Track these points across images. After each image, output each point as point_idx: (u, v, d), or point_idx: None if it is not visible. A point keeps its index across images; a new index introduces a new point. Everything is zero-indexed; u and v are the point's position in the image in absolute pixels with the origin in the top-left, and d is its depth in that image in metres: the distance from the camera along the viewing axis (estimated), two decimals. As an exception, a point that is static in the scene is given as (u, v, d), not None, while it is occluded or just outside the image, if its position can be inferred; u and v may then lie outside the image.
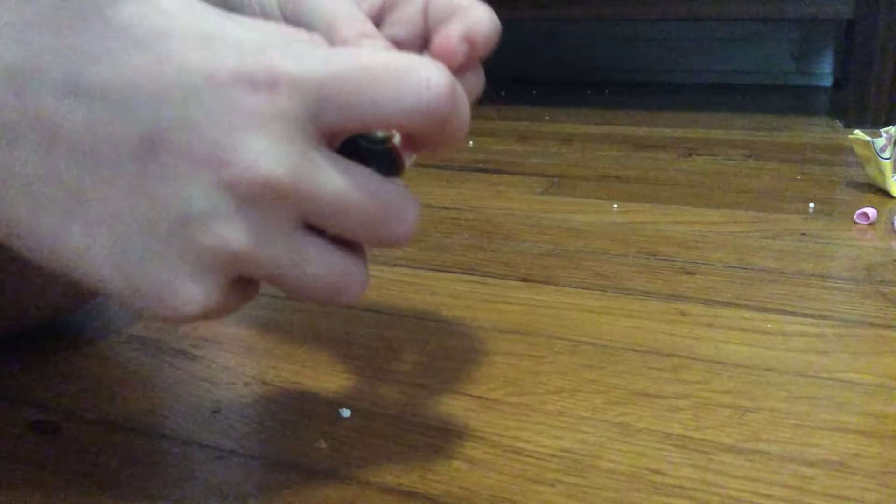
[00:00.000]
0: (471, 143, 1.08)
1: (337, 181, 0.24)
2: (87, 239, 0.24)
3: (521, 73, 1.87)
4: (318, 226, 0.25)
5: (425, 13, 0.33)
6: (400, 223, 0.25)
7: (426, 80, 0.24)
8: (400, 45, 0.33)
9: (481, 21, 0.30)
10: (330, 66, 0.23)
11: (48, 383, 0.41)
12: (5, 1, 0.23)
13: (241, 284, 0.26)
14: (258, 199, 0.23)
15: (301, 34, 0.26)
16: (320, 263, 0.25)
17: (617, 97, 1.56)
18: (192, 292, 0.24)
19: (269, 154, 0.23)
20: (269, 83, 0.23)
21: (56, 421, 0.38)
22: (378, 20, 0.34)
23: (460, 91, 0.25)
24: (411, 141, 0.28)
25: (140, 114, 0.23)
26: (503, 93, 1.61)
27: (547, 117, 1.31)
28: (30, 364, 0.43)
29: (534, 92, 1.63)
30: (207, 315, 0.25)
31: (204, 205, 0.23)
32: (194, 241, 0.24)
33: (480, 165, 0.94)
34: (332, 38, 0.30)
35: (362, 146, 0.26)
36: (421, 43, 0.33)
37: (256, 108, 0.23)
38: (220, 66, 0.23)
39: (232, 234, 0.24)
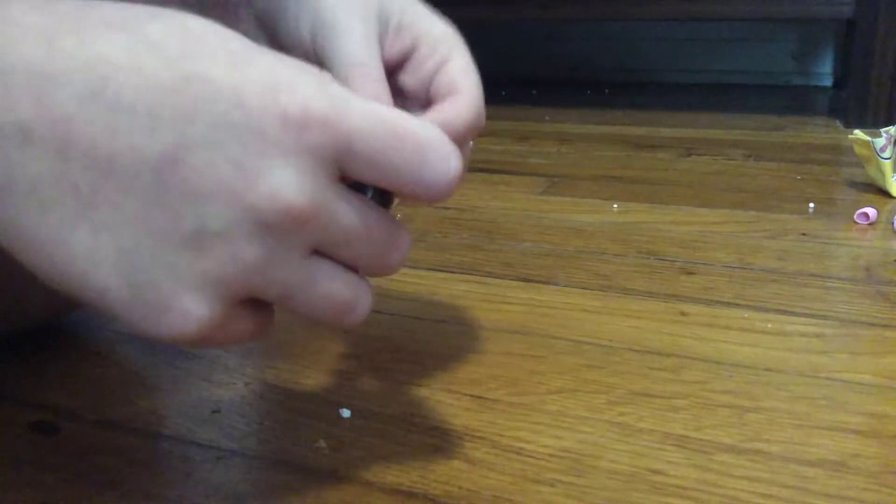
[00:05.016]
0: (471, 142, 1.08)
1: (350, 215, 0.25)
2: (93, 243, 0.23)
3: (521, 73, 1.86)
4: (326, 253, 0.26)
5: (433, 75, 0.35)
6: (396, 251, 0.27)
7: (447, 165, 0.25)
8: (406, 93, 0.36)
9: (461, 116, 0.33)
10: (365, 120, 0.24)
11: (48, 383, 0.41)
12: (29, 2, 0.23)
13: (251, 307, 0.26)
14: (276, 224, 0.24)
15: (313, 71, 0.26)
16: (329, 286, 0.26)
17: (617, 97, 1.56)
18: (193, 306, 0.24)
19: (293, 184, 0.23)
20: (301, 121, 0.23)
21: (56, 421, 0.38)
22: (397, 66, 0.36)
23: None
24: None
25: (165, 129, 0.23)
26: (503, 93, 1.61)
27: (547, 117, 1.31)
28: (30, 364, 0.43)
29: (534, 92, 1.63)
30: (208, 334, 0.25)
31: (221, 224, 0.23)
32: (205, 257, 0.24)
33: (480, 165, 0.94)
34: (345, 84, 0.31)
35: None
36: (424, 96, 0.35)
37: (285, 142, 0.23)
38: (252, 95, 0.23)
39: (244, 254, 0.24)
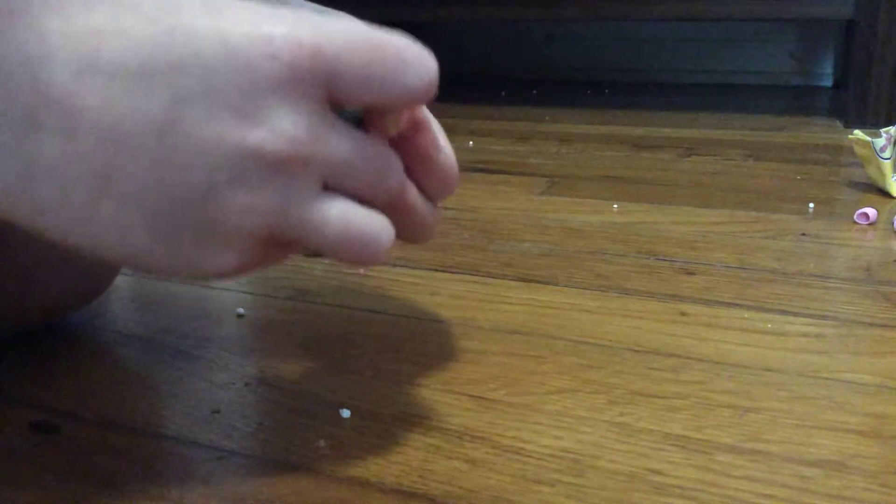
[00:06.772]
0: (470, 143, 1.08)
1: (346, 143, 0.26)
2: (119, 214, 0.24)
3: (521, 73, 1.87)
4: (333, 187, 0.26)
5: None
6: (393, 172, 0.28)
7: (426, 65, 0.26)
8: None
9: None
10: (347, 39, 0.25)
11: (48, 383, 0.41)
12: None
13: (274, 243, 0.27)
14: (282, 163, 0.24)
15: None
16: (345, 218, 0.26)
17: (617, 97, 1.56)
18: (223, 256, 0.25)
19: (290, 118, 0.24)
20: (289, 49, 0.24)
21: (56, 421, 0.38)
22: None
23: None
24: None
25: (159, 86, 0.23)
26: (503, 93, 1.61)
27: (547, 117, 1.31)
28: (30, 364, 0.43)
29: (534, 92, 1.63)
30: (247, 271, 0.27)
31: (230, 172, 0.24)
32: (222, 208, 0.24)
33: (480, 165, 0.94)
34: None
35: (342, 117, 0.27)
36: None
37: (276, 74, 0.24)
38: (235, 33, 0.23)
39: (259, 199, 0.24)
